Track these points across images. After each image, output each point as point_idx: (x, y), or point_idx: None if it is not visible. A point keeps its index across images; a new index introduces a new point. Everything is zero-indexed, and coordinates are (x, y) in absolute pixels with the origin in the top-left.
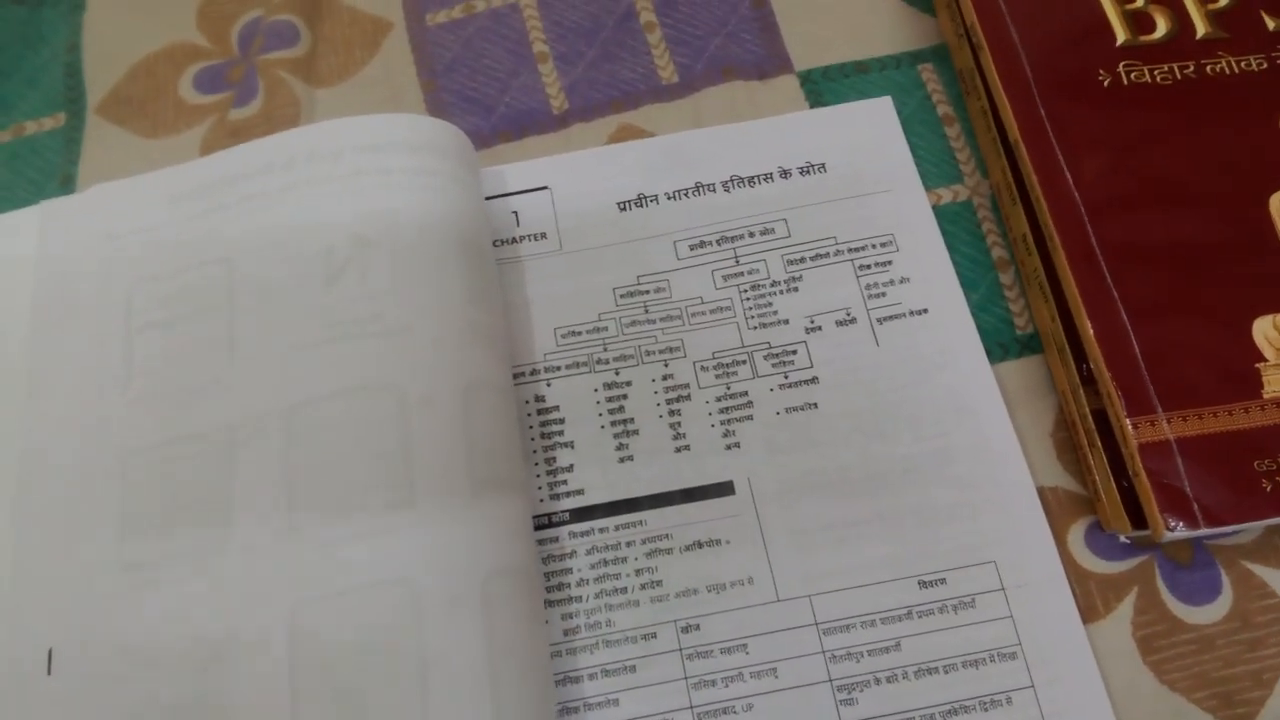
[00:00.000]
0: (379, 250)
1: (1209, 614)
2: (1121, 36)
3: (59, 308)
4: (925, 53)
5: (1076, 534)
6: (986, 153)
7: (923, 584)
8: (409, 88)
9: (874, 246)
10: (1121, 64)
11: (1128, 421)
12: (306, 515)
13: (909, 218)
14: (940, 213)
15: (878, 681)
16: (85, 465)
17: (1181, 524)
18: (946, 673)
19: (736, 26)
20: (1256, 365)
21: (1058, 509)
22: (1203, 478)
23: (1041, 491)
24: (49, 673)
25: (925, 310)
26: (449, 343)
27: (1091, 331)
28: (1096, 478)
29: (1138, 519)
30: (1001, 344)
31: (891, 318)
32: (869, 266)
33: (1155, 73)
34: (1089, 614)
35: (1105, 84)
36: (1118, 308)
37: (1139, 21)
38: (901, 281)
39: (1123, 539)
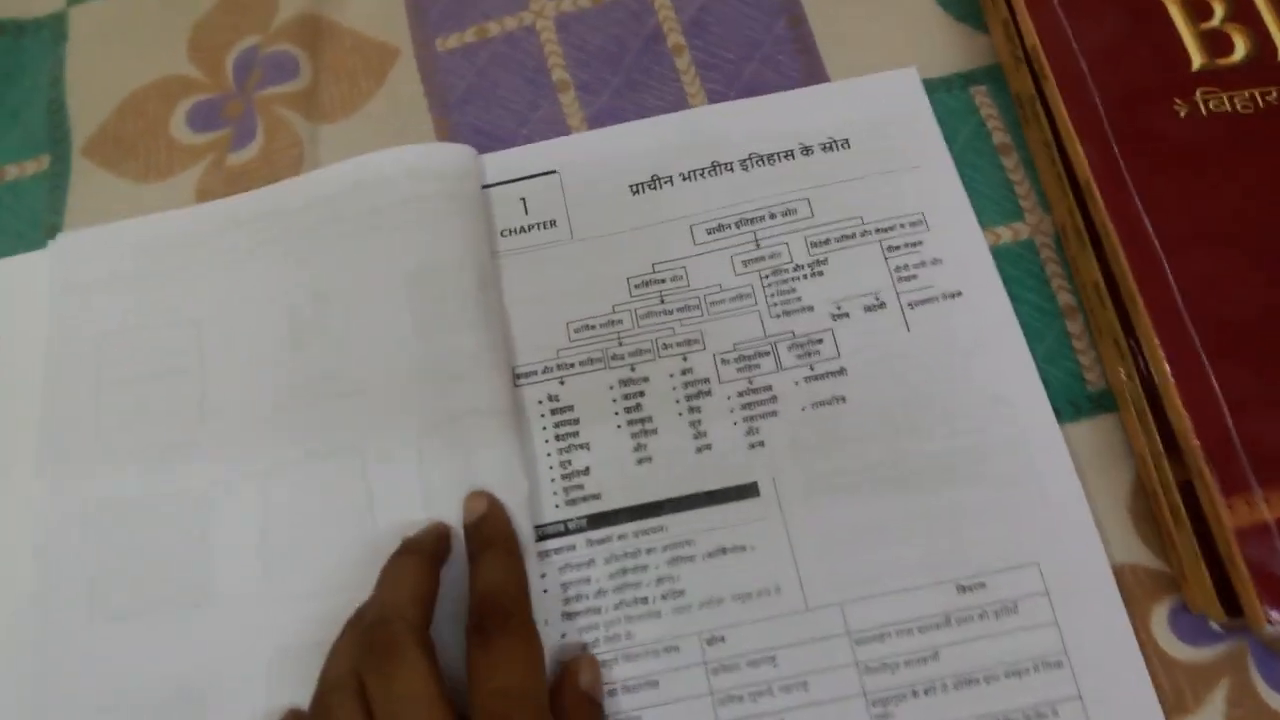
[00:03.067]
0: (334, 305)
1: None
2: (1197, 60)
3: (24, 365)
4: (978, 74)
5: (1159, 616)
6: (1049, 188)
7: (961, 588)
8: (419, 121)
9: (903, 226)
10: (1199, 91)
11: (1222, 501)
12: (281, 572)
13: (939, 195)
14: (999, 254)
15: (915, 694)
16: (62, 520)
17: None
18: (988, 683)
19: (772, 48)
20: None
21: (1137, 588)
22: None
23: (1120, 570)
24: None
25: (959, 293)
26: (412, 391)
27: (1178, 398)
28: (1181, 555)
29: (1231, 604)
30: (1072, 402)
31: (923, 302)
32: (898, 247)
33: (1235, 100)
34: (1176, 708)
35: (1181, 115)
36: (1206, 371)
37: (1216, 42)
38: (933, 263)
39: (1213, 624)
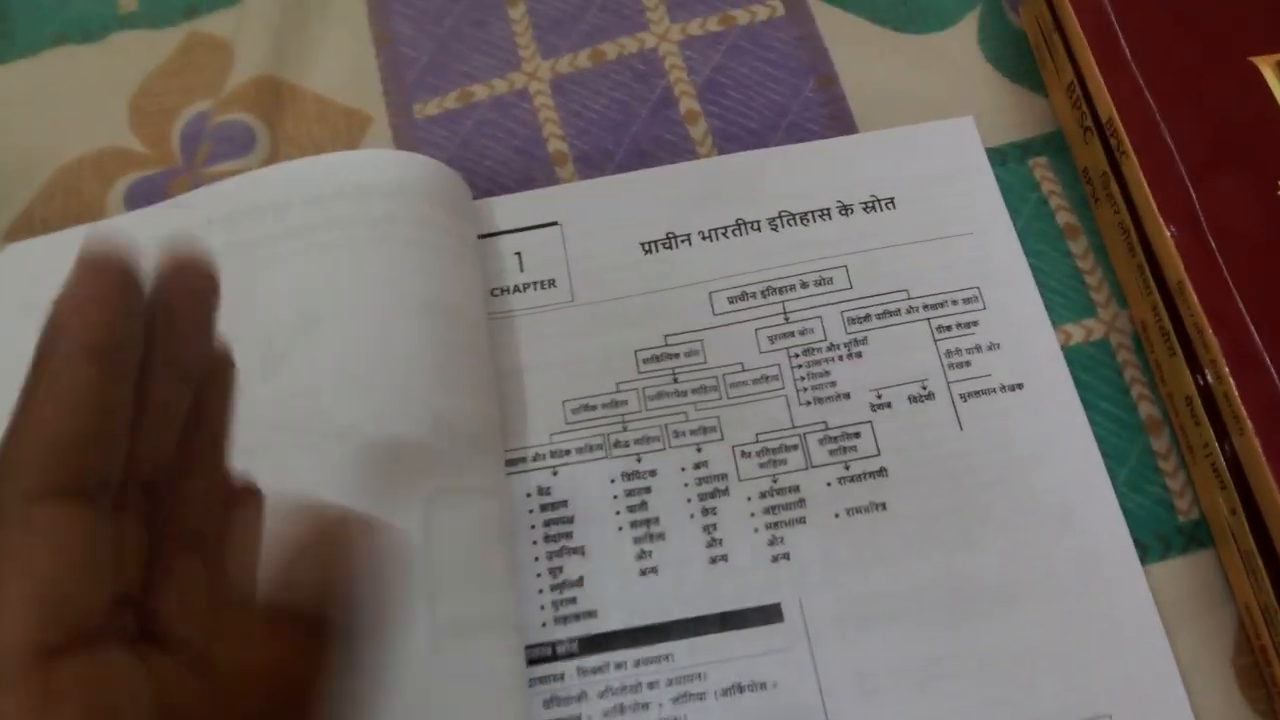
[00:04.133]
0: (328, 330)
1: None
2: None
3: None
4: (1036, 143)
5: None
6: (1126, 280)
7: None
8: None
9: (955, 303)
10: None
11: None
12: None
13: (998, 267)
14: (1071, 357)
15: None
16: None
17: None
18: None
19: (800, 114)
20: None
21: None
22: None
23: None
24: None
25: (1020, 385)
26: (408, 445)
27: None
28: None
29: None
30: (1161, 535)
31: (978, 393)
32: (949, 328)
33: None
34: None
35: None
36: None
37: None
38: (990, 348)
39: None
